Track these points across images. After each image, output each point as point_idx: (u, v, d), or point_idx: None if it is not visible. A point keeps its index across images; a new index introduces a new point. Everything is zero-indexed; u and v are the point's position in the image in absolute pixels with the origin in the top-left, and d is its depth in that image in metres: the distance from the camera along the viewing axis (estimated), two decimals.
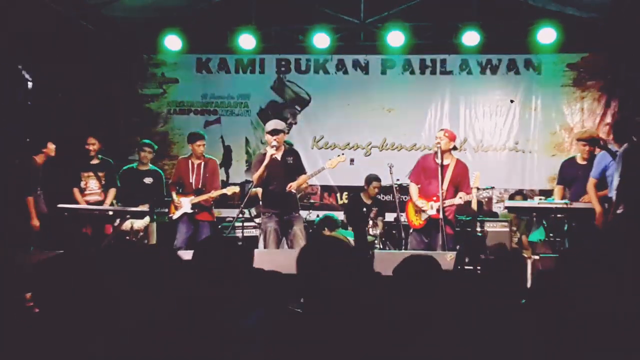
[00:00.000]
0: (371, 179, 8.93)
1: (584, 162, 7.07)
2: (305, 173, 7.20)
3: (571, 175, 7.16)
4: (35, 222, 7.01)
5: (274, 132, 6.97)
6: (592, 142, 7.03)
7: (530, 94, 9.78)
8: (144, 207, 7.77)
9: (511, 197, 9.05)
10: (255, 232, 8.39)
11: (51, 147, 7.28)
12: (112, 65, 10.04)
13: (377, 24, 9.60)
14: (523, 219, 8.83)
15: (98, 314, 2.38)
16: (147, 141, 8.41)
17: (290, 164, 7.10)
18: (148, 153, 8.26)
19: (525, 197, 9.14)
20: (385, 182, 8.77)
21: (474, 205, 8.13)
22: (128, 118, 10.30)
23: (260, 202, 7.56)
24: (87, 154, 7.88)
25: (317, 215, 9.05)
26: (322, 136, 10.15)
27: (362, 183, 9.17)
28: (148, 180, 8.22)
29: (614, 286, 2.61)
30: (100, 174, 7.91)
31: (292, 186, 6.99)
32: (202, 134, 8.05)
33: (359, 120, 10.10)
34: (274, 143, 6.92)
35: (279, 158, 7.06)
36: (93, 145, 7.85)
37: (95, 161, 7.93)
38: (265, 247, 7.05)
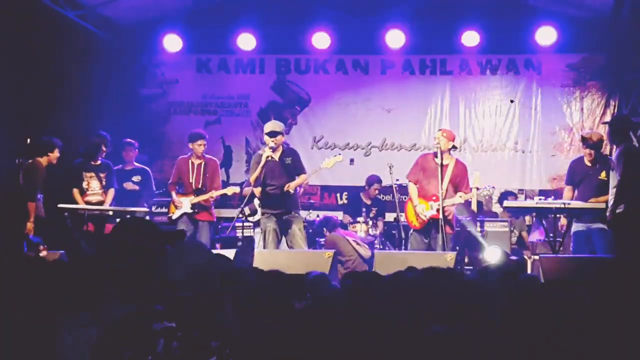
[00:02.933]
0: (372, 181, 8.95)
1: (590, 165, 7.04)
2: (305, 173, 7.23)
3: (580, 176, 7.07)
4: (30, 226, 6.99)
5: (272, 134, 7.02)
6: (595, 146, 6.94)
7: (530, 94, 9.76)
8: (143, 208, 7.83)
9: (500, 199, 9.03)
10: (252, 233, 8.41)
11: (56, 154, 7.35)
12: (112, 65, 10.04)
13: (377, 24, 9.61)
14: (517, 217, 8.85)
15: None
16: (128, 140, 8.54)
17: (289, 164, 7.13)
18: (130, 152, 8.44)
19: (515, 197, 9.13)
20: (385, 182, 8.79)
21: (474, 206, 8.15)
22: (128, 118, 10.28)
23: (255, 201, 7.59)
24: (92, 155, 7.97)
25: (317, 215, 9.06)
26: (322, 136, 10.14)
27: (362, 183, 9.19)
28: (136, 178, 8.34)
29: None
30: (101, 174, 8.00)
31: (290, 186, 7.02)
32: (203, 134, 8.07)
33: (359, 120, 10.08)
34: (271, 144, 6.96)
35: (276, 159, 7.09)
36: (101, 139, 8.02)
37: (97, 162, 8.01)
38: (264, 247, 7.07)
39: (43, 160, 7.28)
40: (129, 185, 8.26)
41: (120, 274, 2.44)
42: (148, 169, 8.61)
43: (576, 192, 7.09)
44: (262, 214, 7.25)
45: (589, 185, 6.93)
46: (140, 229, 2.60)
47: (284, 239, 7.22)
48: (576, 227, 6.90)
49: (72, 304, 2.50)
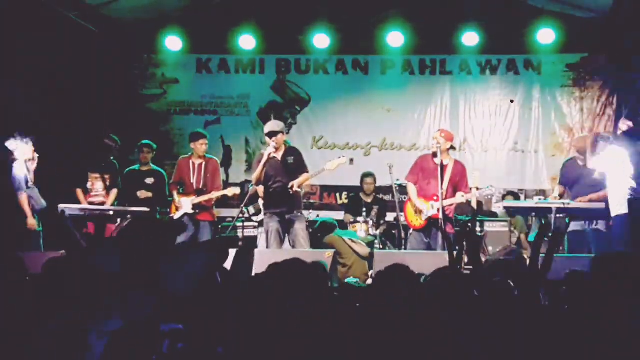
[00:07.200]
0: (363, 175, 8.97)
1: (582, 164, 7.08)
2: (307, 172, 7.23)
3: (574, 176, 7.15)
4: (31, 221, 7.00)
5: (271, 134, 7.06)
6: (584, 152, 7.07)
7: (530, 94, 9.78)
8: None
9: (502, 198, 9.03)
10: (255, 232, 8.40)
11: (30, 146, 7.26)
12: (112, 66, 10.04)
13: (377, 24, 9.61)
14: (519, 218, 8.85)
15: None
16: (145, 141, 8.43)
17: (291, 164, 7.14)
18: (147, 153, 8.33)
19: (517, 197, 9.16)
20: (385, 182, 8.78)
21: (474, 205, 8.13)
22: (128, 118, 10.29)
23: (260, 201, 7.58)
24: (98, 154, 8.04)
25: (318, 215, 9.05)
26: (321, 136, 10.15)
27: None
28: (149, 180, 8.26)
29: None
30: (106, 175, 8.01)
31: (294, 184, 7.02)
32: (205, 133, 8.08)
33: (358, 120, 10.10)
34: (272, 144, 6.98)
35: (279, 158, 7.10)
36: (114, 143, 8.04)
37: (103, 163, 8.05)
38: (267, 247, 7.06)
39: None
40: (142, 194, 8.12)
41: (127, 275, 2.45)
42: (163, 171, 8.47)
43: (570, 191, 7.12)
44: (265, 213, 7.26)
45: (583, 185, 6.99)
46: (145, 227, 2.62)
47: (286, 238, 7.21)
48: (572, 226, 6.93)
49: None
